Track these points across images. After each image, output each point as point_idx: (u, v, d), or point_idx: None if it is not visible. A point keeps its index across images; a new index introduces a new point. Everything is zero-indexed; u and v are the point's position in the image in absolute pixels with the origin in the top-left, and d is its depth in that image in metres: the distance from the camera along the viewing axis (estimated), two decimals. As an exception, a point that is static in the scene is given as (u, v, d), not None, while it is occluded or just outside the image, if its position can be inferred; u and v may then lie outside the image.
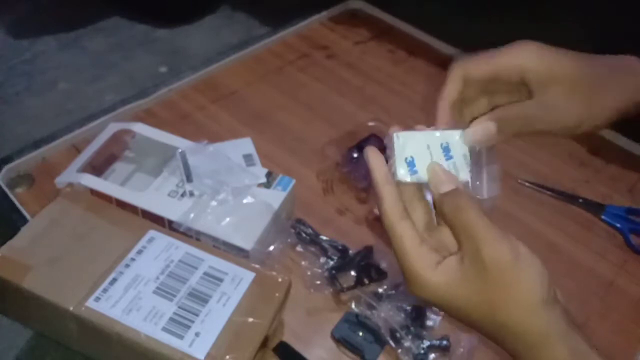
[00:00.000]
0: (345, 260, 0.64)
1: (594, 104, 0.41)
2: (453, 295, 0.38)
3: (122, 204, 0.64)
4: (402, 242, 0.39)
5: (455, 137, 0.41)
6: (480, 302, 0.37)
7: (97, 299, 0.53)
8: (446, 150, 0.41)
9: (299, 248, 0.66)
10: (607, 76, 0.42)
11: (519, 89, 0.43)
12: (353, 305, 0.61)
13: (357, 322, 0.60)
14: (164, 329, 0.51)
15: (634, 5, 0.82)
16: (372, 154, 0.41)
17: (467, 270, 0.38)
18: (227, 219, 0.63)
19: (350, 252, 0.66)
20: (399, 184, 0.41)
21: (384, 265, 0.64)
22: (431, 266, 0.38)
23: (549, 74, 0.41)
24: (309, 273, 0.63)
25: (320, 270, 0.63)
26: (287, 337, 0.59)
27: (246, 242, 0.61)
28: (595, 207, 0.76)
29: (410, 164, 0.41)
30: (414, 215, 0.41)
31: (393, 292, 0.61)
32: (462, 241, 0.38)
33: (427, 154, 0.41)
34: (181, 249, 0.58)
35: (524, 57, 0.42)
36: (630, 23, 0.83)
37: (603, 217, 0.75)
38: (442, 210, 0.40)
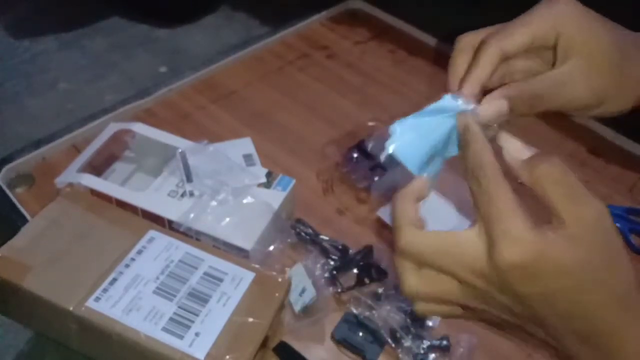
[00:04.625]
0: (345, 260, 0.64)
1: (621, 81, 0.37)
2: (559, 255, 0.32)
3: (122, 204, 0.64)
4: (500, 193, 0.34)
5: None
6: (602, 264, 0.33)
7: (97, 299, 0.53)
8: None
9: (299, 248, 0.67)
10: (635, 54, 0.38)
11: (540, 53, 0.40)
12: (352, 308, 0.61)
13: (356, 322, 0.60)
14: (164, 329, 0.51)
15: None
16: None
17: (574, 230, 0.32)
18: (227, 219, 0.63)
19: (350, 252, 0.66)
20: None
21: (384, 264, 0.64)
22: (532, 226, 0.33)
23: (580, 39, 0.37)
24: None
25: (320, 271, 0.63)
26: (287, 337, 0.59)
27: (246, 242, 0.61)
28: (595, 207, 0.76)
29: None
30: None
31: (393, 292, 0.61)
32: (562, 205, 0.33)
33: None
34: (181, 249, 0.58)
35: (562, 18, 0.38)
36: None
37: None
38: (537, 172, 0.34)
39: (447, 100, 0.39)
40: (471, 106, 0.39)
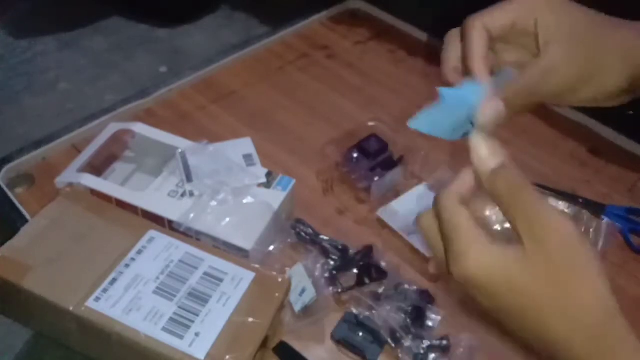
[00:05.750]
0: (345, 260, 0.64)
1: (596, 60, 0.39)
2: (514, 275, 0.33)
3: (122, 204, 0.64)
4: (456, 217, 0.35)
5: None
6: (550, 286, 0.33)
7: (97, 299, 0.53)
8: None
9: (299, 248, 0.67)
10: (612, 33, 0.40)
11: (525, 45, 0.42)
12: (352, 308, 0.61)
13: (356, 322, 0.60)
14: (164, 329, 0.51)
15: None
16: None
17: (531, 252, 0.33)
18: (227, 219, 0.63)
19: (350, 252, 0.65)
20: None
21: (384, 264, 0.64)
22: (487, 242, 0.34)
23: (554, 20, 0.39)
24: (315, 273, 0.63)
25: (320, 271, 0.63)
26: (287, 337, 0.59)
27: (246, 242, 0.61)
28: (595, 207, 0.76)
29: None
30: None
31: (393, 292, 0.61)
32: (520, 224, 0.34)
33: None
34: (181, 249, 0.58)
35: (538, 2, 0.40)
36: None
37: (603, 217, 0.75)
38: (495, 188, 0.35)
39: (465, 88, 0.40)
40: (484, 85, 0.40)
